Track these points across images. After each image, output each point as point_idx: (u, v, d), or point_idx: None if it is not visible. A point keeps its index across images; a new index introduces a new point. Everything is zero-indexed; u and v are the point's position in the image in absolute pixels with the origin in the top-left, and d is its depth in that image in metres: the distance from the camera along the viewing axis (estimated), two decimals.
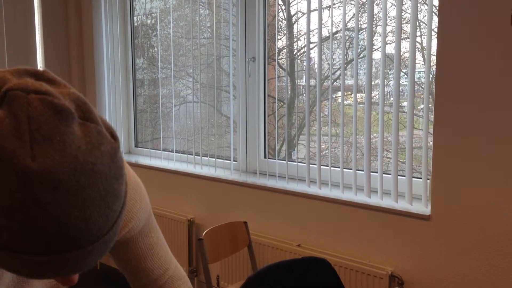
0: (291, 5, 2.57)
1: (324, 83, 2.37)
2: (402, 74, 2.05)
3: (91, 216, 0.47)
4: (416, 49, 1.97)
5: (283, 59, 2.60)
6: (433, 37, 1.92)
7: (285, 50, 2.56)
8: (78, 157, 0.46)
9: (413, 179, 2.02)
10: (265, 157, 2.64)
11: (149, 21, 3.25)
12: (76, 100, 0.49)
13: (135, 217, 0.80)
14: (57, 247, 0.46)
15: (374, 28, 2.11)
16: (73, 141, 0.46)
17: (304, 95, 2.37)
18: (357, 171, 2.18)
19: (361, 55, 2.19)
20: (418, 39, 2.03)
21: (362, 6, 2.18)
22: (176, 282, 0.92)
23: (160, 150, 3.18)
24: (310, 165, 2.34)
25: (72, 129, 0.47)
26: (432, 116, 1.92)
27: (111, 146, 0.50)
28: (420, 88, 2.12)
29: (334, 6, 2.23)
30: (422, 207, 1.99)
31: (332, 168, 2.25)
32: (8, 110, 0.45)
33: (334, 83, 2.36)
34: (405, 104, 2.11)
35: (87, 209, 0.46)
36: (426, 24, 2.00)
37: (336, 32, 2.29)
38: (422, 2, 2.05)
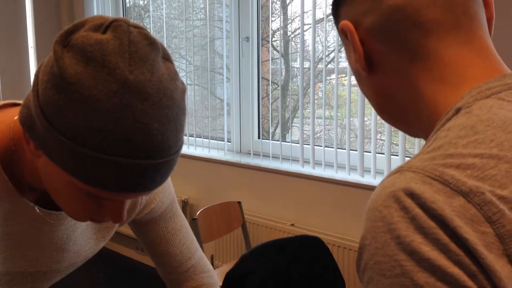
0: None
1: (318, 66, 2.38)
2: None
3: (166, 132, 0.56)
4: None
5: (277, 41, 2.60)
6: None
7: (279, 32, 2.56)
8: (162, 81, 0.56)
9: (406, 158, 2.05)
10: (259, 138, 2.65)
11: (141, 2, 3.22)
12: (160, 43, 0.60)
13: (157, 198, 0.86)
14: (139, 152, 0.55)
15: None
16: (159, 68, 0.57)
17: (298, 77, 2.38)
18: (351, 151, 2.20)
19: None
20: None
21: None
22: (199, 274, 0.95)
23: None
24: (304, 145, 2.35)
25: (159, 60, 0.57)
26: None
27: (182, 85, 0.60)
28: None
29: None
30: None
31: (325, 148, 2.27)
32: (113, 35, 0.56)
33: (328, 66, 2.37)
34: None
35: (164, 125, 0.56)
36: None
37: (330, 14, 2.29)
38: None
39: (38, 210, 0.71)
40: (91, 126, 0.53)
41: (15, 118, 0.68)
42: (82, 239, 0.80)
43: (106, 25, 0.57)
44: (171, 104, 0.57)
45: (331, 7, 0.58)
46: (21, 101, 0.74)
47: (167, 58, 0.60)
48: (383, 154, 2.10)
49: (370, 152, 2.13)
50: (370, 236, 0.40)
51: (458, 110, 0.46)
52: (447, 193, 0.38)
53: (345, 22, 0.53)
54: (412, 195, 0.39)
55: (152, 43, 0.57)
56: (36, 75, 0.59)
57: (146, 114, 0.54)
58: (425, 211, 0.38)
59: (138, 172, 0.56)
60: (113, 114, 0.53)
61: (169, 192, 0.89)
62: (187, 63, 2.91)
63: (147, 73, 0.55)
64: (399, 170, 0.43)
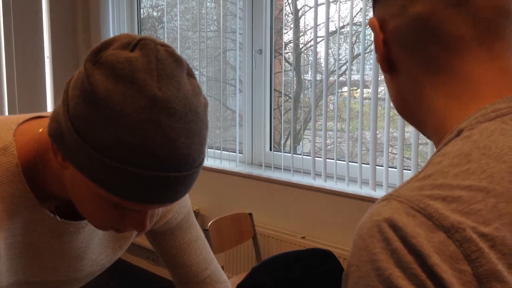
0: None
1: (330, 78, 2.39)
2: None
3: (191, 146, 0.58)
4: None
5: (289, 53, 2.61)
6: None
7: (291, 44, 2.57)
8: (187, 96, 0.59)
9: None
10: (270, 150, 2.66)
11: (155, 14, 3.26)
12: (184, 61, 0.63)
13: (174, 209, 0.87)
14: (165, 165, 0.57)
15: None
16: (184, 84, 0.59)
17: (310, 89, 2.39)
18: (363, 165, 2.19)
19: (368, 50, 2.20)
20: None
21: (370, 0, 2.19)
22: (214, 285, 0.96)
23: None
24: (316, 158, 2.36)
25: (184, 76, 0.60)
26: None
27: (204, 100, 0.63)
28: None
29: (341, 0, 2.25)
30: None
31: (337, 161, 2.27)
32: (141, 53, 0.58)
33: (340, 78, 2.38)
34: None
35: (189, 139, 0.58)
36: None
37: (343, 27, 2.31)
38: None
39: (59, 220, 0.73)
40: (120, 140, 0.55)
41: (40, 130, 0.71)
42: (99, 247, 0.82)
43: (134, 44, 0.59)
44: (196, 118, 0.59)
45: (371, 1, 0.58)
46: (44, 113, 0.76)
47: (191, 74, 0.62)
48: (395, 168, 2.10)
49: (382, 166, 2.13)
50: (354, 264, 0.41)
51: (460, 132, 0.45)
52: (429, 227, 0.38)
53: (372, 20, 0.53)
54: (394, 227, 0.39)
55: (177, 61, 0.60)
56: (66, 91, 0.62)
57: (173, 128, 0.56)
58: (405, 245, 0.38)
59: (163, 184, 0.58)
60: (141, 128, 0.55)
61: (185, 203, 0.90)
62: (200, 74, 2.93)
63: (174, 89, 0.57)
64: (388, 197, 0.43)
